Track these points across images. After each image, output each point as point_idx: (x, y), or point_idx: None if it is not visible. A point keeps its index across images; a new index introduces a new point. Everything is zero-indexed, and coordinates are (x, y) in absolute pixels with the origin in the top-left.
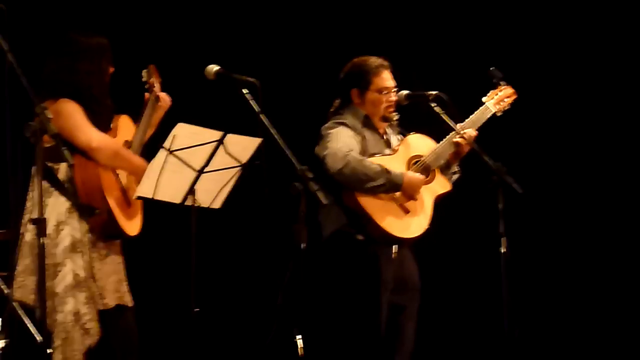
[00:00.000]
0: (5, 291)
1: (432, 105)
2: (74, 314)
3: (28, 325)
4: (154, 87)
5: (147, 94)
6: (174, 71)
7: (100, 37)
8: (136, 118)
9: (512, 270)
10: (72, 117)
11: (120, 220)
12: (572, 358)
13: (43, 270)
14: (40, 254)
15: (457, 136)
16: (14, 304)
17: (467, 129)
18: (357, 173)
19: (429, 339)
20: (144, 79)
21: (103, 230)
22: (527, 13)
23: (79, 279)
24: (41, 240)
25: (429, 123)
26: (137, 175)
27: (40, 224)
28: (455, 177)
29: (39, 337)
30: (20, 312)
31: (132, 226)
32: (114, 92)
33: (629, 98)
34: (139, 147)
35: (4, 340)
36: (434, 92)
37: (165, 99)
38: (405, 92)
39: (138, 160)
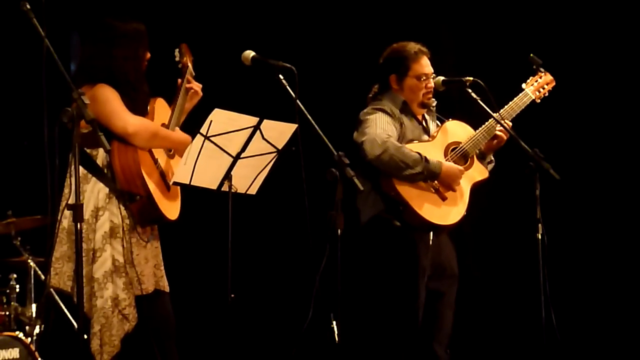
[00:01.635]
0: (42, 277)
1: (469, 91)
2: (113, 300)
3: (65, 311)
4: (187, 67)
5: (179, 79)
6: (210, 57)
7: (136, 22)
8: (171, 100)
9: (548, 256)
10: (109, 102)
11: (160, 204)
12: (609, 342)
13: (80, 256)
14: (78, 239)
15: (498, 128)
16: (50, 290)
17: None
18: (396, 160)
19: (467, 326)
20: (176, 59)
21: (144, 215)
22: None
23: (118, 264)
24: (78, 226)
25: (465, 109)
26: (180, 150)
27: (77, 209)
28: (490, 166)
29: (75, 324)
30: (57, 298)
31: (172, 210)
32: (149, 74)
33: None
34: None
35: (40, 326)
36: (470, 78)
37: (197, 90)
38: (442, 78)
39: (178, 135)
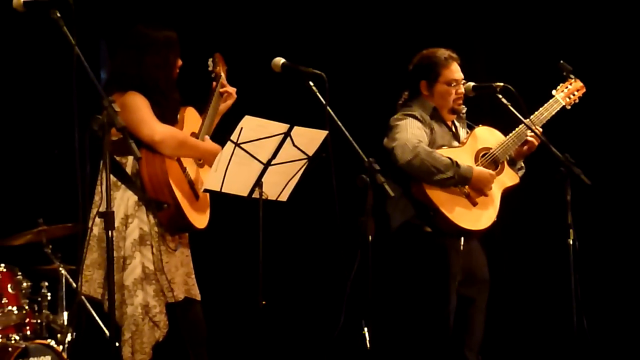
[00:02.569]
0: (73, 285)
1: (500, 97)
2: (144, 307)
3: (96, 318)
4: (220, 76)
5: (213, 84)
6: (240, 64)
7: (168, 30)
8: (202, 109)
9: (580, 262)
10: (138, 110)
11: (188, 213)
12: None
13: (112, 264)
14: (109, 247)
15: (529, 134)
16: (82, 298)
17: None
18: (426, 165)
19: (498, 331)
20: (210, 68)
21: (171, 223)
22: (597, 6)
23: (148, 271)
24: (109, 234)
25: (496, 115)
26: (209, 160)
27: (107, 217)
28: (520, 172)
29: (107, 332)
30: (88, 306)
31: (200, 219)
32: (181, 83)
33: None
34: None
35: (71, 334)
36: (501, 84)
37: (231, 93)
38: (472, 83)
39: (206, 145)
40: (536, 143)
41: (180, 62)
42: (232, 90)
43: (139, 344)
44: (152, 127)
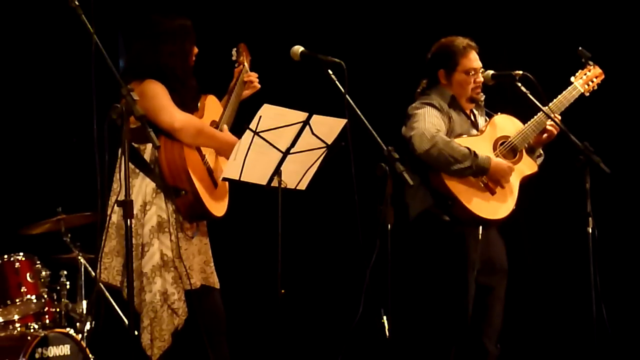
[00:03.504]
0: (92, 274)
1: (519, 85)
2: (162, 294)
3: (115, 307)
4: (244, 66)
5: (236, 72)
6: (259, 52)
7: (182, 18)
8: (222, 97)
9: (599, 250)
10: (156, 98)
11: (206, 201)
12: None
13: (130, 252)
14: (128, 236)
15: (548, 123)
16: (101, 286)
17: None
18: (444, 154)
19: (517, 320)
20: (233, 58)
21: (189, 211)
22: None
23: (166, 259)
24: (128, 222)
25: (515, 103)
26: (225, 151)
27: (126, 206)
28: (539, 160)
29: (126, 320)
30: (107, 295)
31: (218, 208)
32: (200, 72)
33: None
34: (228, 125)
35: (90, 323)
36: (520, 72)
37: (255, 83)
38: (490, 72)
39: (223, 136)
40: (555, 132)
41: (196, 50)
42: (256, 80)
43: (158, 331)
44: (172, 114)
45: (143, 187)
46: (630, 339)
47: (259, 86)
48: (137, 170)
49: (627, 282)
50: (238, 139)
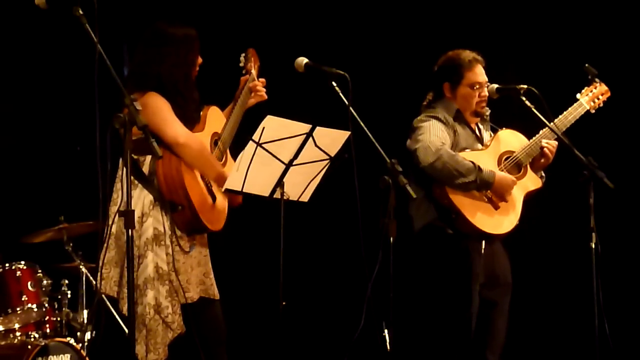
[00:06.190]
0: (93, 283)
1: (523, 99)
2: (155, 307)
3: (116, 317)
4: (251, 74)
5: (242, 80)
6: (263, 63)
7: (187, 27)
8: (226, 106)
9: (602, 266)
10: (161, 111)
11: (203, 216)
12: None
13: (131, 263)
14: (129, 246)
15: (544, 142)
16: (102, 296)
17: (551, 141)
18: (449, 168)
19: (520, 335)
20: (241, 64)
21: (186, 226)
22: (623, 10)
23: (161, 272)
24: (129, 232)
25: (521, 118)
26: (218, 182)
27: (127, 215)
28: (541, 181)
29: (126, 330)
30: (108, 304)
31: (216, 222)
32: (205, 80)
33: None
34: (230, 138)
35: (91, 332)
36: (525, 86)
37: (261, 92)
38: (495, 85)
39: (221, 168)
40: (551, 155)
41: (200, 60)
42: (263, 89)
43: (152, 344)
44: (176, 129)
45: (141, 199)
46: (632, 354)
47: (265, 96)
48: (136, 182)
49: (630, 298)
50: (240, 152)
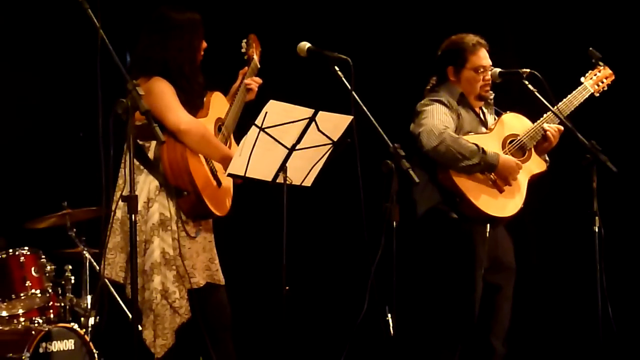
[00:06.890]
0: (97, 268)
1: (526, 83)
2: (162, 292)
3: (119, 302)
4: (253, 59)
5: (245, 68)
6: (266, 48)
7: (191, 12)
8: (228, 91)
9: (605, 249)
10: (164, 96)
11: (209, 201)
12: None
13: (135, 248)
14: (132, 231)
15: (546, 126)
16: (105, 281)
17: (554, 125)
18: (452, 151)
19: (524, 319)
20: (243, 50)
21: (191, 211)
22: None
23: (168, 257)
24: (133, 218)
25: (525, 102)
26: (223, 163)
27: (131, 201)
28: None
29: (130, 315)
30: (112, 289)
31: (221, 207)
32: (207, 66)
33: None
34: (234, 123)
35: (95, 318)
36: (527, 70)
37: (253, 89)
38: (498, 69)
39: (227, 149)
40: (554, 139)
41: (204, 45)
42: (255, 86)
43: (160, 329)
44: (179, 115)
45: (147, 184)
46: (636, 338)
47: (253, 97)
48: (142, 167)
49: (633, 281)
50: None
